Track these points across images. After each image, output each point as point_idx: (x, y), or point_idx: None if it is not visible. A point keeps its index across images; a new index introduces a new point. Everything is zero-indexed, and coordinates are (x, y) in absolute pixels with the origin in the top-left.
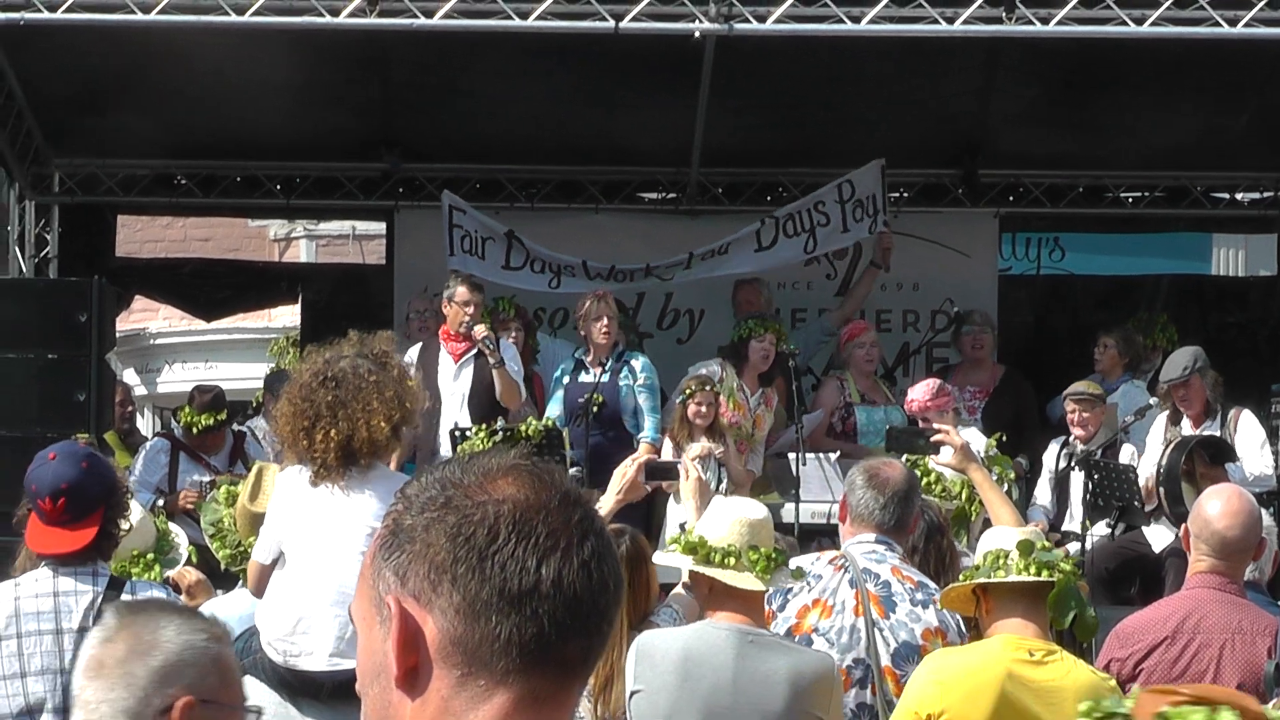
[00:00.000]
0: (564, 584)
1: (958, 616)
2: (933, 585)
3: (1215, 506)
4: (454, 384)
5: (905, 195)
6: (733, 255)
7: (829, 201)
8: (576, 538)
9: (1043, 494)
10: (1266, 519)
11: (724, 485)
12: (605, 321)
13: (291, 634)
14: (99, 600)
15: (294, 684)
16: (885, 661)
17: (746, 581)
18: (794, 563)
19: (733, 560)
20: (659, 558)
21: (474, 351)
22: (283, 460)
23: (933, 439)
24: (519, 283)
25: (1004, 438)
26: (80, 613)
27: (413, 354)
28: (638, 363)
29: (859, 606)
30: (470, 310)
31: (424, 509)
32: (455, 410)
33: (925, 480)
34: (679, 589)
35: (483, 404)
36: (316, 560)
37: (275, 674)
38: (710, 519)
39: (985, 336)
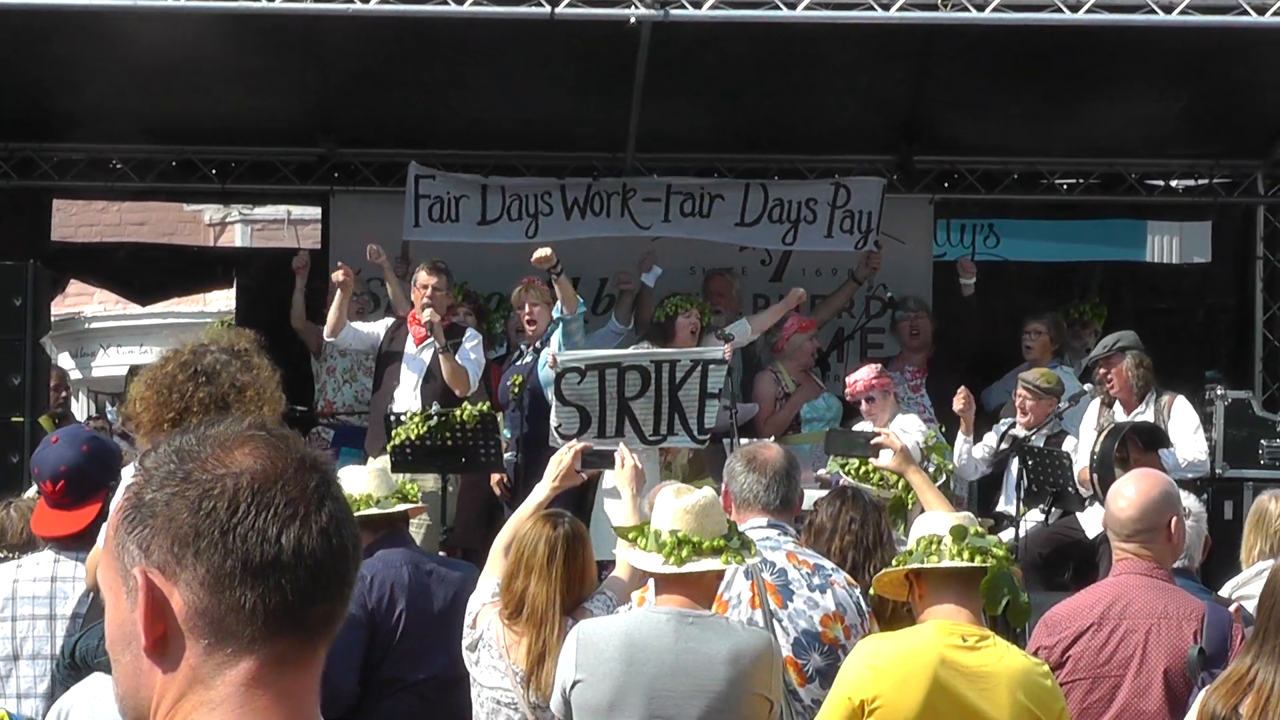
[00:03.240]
0: (304, 552)
1: (857, 594)
2: (829, 566)
3: (1115, 490)
4: (412, 366)
5: None
6: (714, 220)
7: (821, 201)
8: (314, 504)
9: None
10: (1196, 505)
11: (660, 471)
12: (526, 309)
13: None
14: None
15: None
16: (786, 651)
17: (651, 564)
18: None
19: (686, 550)
20: (632, 558)
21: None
22: (136, 444)
23: (872, 441)
24: (496, 237)
25: (943, 429)
26: (75, 599)
27: (379, 327)
28: (556, 334)
29: (755, 598)
30: (428, 293)
31: (164, 483)
32: (409, 393)
33: (864, 468)
34: (615, 572)
35: (437, 389)
36: None
37: None
38: (659, 511)
39: (921, 322)
